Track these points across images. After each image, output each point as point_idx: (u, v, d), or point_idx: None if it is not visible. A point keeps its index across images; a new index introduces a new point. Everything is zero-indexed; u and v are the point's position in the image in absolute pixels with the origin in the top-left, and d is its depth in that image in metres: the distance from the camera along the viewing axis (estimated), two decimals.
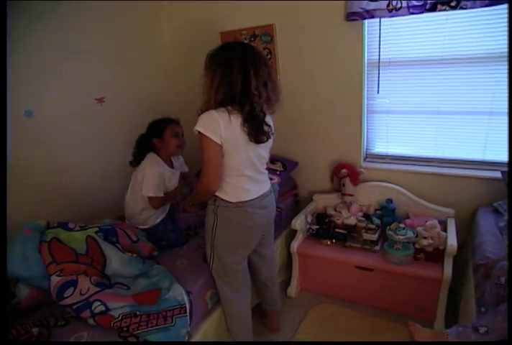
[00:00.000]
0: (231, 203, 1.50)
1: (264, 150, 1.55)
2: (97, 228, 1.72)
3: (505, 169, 1.83)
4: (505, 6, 1.67)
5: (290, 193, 2.56)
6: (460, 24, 1.89)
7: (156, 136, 1.89)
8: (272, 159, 2.51)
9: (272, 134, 1.55)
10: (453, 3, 1.74)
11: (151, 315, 1.42)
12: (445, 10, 1.77)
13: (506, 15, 1.73)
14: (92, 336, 1.36)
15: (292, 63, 2.35)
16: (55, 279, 1.47)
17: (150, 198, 1.84)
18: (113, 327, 1.36)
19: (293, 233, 2.30)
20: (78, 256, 1.57)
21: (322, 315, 2.10)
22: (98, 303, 1.40)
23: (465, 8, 1.73)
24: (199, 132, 1.36)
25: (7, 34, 1.32)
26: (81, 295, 1.44)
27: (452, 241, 1.85)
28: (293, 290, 2.29)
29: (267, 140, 1.48)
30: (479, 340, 1.32)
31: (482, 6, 1.69)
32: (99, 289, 1.47)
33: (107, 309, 1.40)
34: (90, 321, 1.40)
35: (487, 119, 2.02)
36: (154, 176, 1.82)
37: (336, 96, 2.29)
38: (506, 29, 1.76)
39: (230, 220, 1.53)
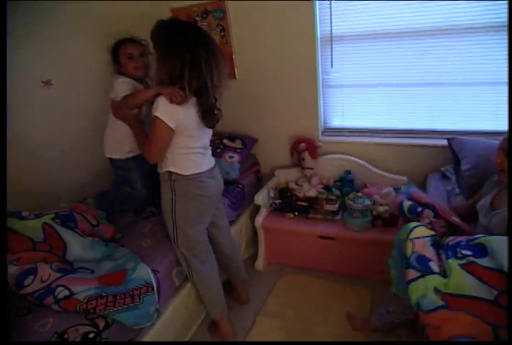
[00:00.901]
0: (187, 175, 1.57)
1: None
2: (53, 215, 1.67)
3: (451, 136, 1.96)
4: None
5: (251, 170, 2.59)
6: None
7: (114, 63, 1.80)
8: (232, 137, 2.53)
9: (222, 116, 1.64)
10: None
11: (118, 295, 1.42)
12: None
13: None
14: (57, 321, 1.34)
15: (246, 39, 2.32)
16: (12, 269, 1.42)
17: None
18: (79, 310, 1.36)
19: (257, 209, 2.35)
20: (35, 244, 1.53)
21: (290, 285, 2.18)
22: (61, 288, 1.39)
23: None
24: (155, 116, 1.42)
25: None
26: (42, 282, 1.41)
27: None
28: (260, 263, 2.36)
29: (215, 125, 1.60)
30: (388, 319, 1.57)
31: None
32: (61, 274, 1.44)
33: (71, 293, 1.38)
34: (55, 307, 1.38)
35: (433, 91, 2.12)
36: (120, 84, 1.72)
37: (291, 72, 2.31)
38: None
39: (187, 191, 1.59)
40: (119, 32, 1.85)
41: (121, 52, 1.77)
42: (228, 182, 2.28)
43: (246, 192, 2.41)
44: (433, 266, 1.20)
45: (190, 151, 1.56)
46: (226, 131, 2.56)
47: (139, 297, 1.45)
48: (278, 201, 2.35)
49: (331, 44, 2.18)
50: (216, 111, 1.57)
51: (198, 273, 1.72)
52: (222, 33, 2.34)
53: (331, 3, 2.07)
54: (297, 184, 2.46)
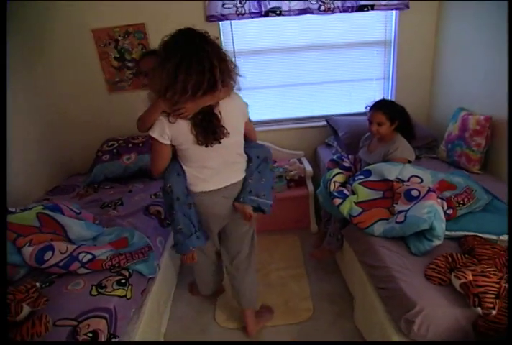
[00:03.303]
0: (192, 192, 1.65)
1: (232, 139, 1.54)
2: (42, 206, 1.87)
3: (328, 118, 2.90)
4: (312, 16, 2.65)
5: None
6: (290, 22, 2.79)
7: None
8: None
9: (229, 133, 1.51)
10: (278, 12, 2.62)
11: (131, 252, 1.76)
12: (273, 16, 2.64)
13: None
14: (88, 279, 1.59)
15: None
16: (29, 249, 1.60)
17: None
18: (105, 267, 1.64)
19: None
20: (39, 228, 1.73)
21: None
22: (84, 254, 1.64)
23: (285, 15, 2.64)
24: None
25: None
26: (62, 253, 1.63)
27: (308, 168, 2.81)
28: None
29: (219, 142, 1.50)
30: (333, 241, 2.17)
31: (295, 15, 2.62)
32: (77, 245, 1.70)
33: (94, 256, 1.65)
34: (81, 271, 1.61)
35: (313, 88, 3.04)
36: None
37: None
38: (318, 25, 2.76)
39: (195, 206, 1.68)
40: None
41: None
42: None
43: None
44: (347, 192, 1.97)
45: (191, 166, 1.59)
46: None
47: (146, 254, 1.81)
48: None
49: (235, 57, 2.88)
50: (216, 129, 1.48)
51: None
52: (143, 50, 2.78)
53: (231, 24, 2.78)
54: None
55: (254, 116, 3.09)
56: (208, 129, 1.47)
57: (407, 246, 1.60)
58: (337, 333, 1.91)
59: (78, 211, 2.01)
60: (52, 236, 1.73)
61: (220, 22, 2.73)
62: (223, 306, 2.17)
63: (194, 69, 1.35)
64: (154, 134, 1.47)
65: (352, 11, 2.58)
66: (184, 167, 1.60)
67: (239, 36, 2.84)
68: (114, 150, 2.77)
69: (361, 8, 2.58)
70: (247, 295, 1.92)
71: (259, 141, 2.80)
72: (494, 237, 1.54)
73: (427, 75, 2.92)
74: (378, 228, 1.72)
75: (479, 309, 1.21)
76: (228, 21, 2.74)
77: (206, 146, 1.50)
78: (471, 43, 2.43)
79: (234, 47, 2.85)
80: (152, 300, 1.83)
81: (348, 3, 2.56)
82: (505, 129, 2.12)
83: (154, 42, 2.74)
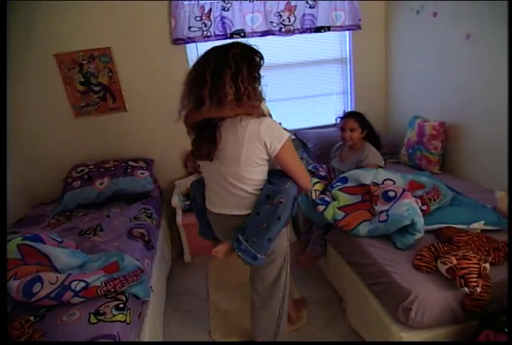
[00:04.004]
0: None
1: (228, 168, 1.44)
2: (21, 237, 1.77)
3: (296, 131, 3.05)
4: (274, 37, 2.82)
5: (155, 185, 3.04)
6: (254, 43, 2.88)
7: None
8: (134, 159, 2.92)
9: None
10: (242, 34, 2.77)
11: (125, 276, 1.72)
12: (238, 38, 2.78)
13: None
14: (84, 308, 1.54)
15: (133, 78, 2.83)
16: (14, 283, 1.52)
17: None
18: (101, 293, 1.58)
19: (171, 214, 2.85)
20: (22, 259, 1.65)
21: (220, 267, 2.70)
22: (76, 282, 1.57)
23: (249, 37, 2.79)
24: None
25: None
26: (52, 284, 1.56)
27: None
28: (188, 257, 2.84)
29: (210, 158, 1.43)
30: (316, 247, 2.27)
31: (258, 36, 2.79)
32: (67, 274, 1.63)
33: (87, 283, 1.60)
34: (75, 300, 1.54)
35: (283, 103, 3.19)
36: None
37: (175, 100, 2.93)
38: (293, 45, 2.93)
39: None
40: None
41: None
42: (146, 195, 2.71)
43: (159, 202, 2.86)
44: (328, 199, 2.08)
45: (205, 179, 1.62)
46: (128, 155, 2.95)
47: (140, 276, 1.78)
48: (188, 202, 2.91)
49: None
50: (206, 150, 1.41)
51: None
52: (110, 74, 2.79)
53: (197, 46, 2.87)
54: None
55: None
56: (198, 146, 1.45)
57: (392, 243, 1.73)
58: (333, 336, 1.98)
59: (59, 240, 1.94)
60: (37, 267, 1.66)
61: (187, 45, 2.82)
62: (216, 322, 2.15)
63: (187, 85, 1.41)
64: None
65: (311, 32, 2.80)
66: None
67: None
68: (85, 176, 2.69)
69: (318, 30, 2.81)
70: (258, 326, 1.77)
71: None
72: (465, 226, 1.72)
73: (382, 88, 3.21)
74: (363, 229, 1.84)
75: (466, 288, 1.35)
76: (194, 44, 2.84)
77: (196, 158, 1.55)
78: (416, 57, 2.73)
79: None
80: (150, 324, 1.79)
81: (306, 25, 2.78)
82: (456, 132, 2.40)
83: (122, 65, 2.78)
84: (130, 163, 2.83)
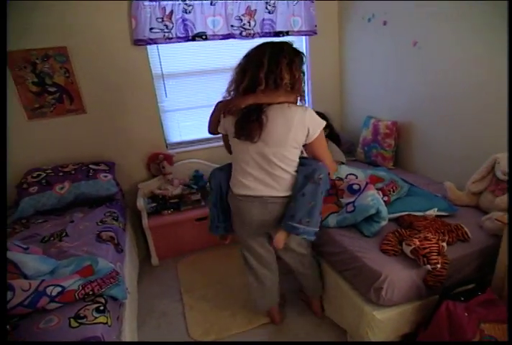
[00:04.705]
0: (233, 193, 1.72)
1: (273, 148, 1.55)
2: None
3: None
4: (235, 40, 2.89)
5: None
6: (216, 45, 2.97)
7: None
8: (95, 162, 2.83)
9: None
10: (204, 37, 2.81)
11: (102, 278, 1.68)
12: (200, 40, 2.82)
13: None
14: (62, 313, 1.48)
15: (92, 79, 2.73)
16: None
17: None
18: (79, 297, 1.55)
19: (136, 216, 2.80)
20: None
21: (189, 267, 2.73)
22: (52, 287, 1.51)
23: (210, 40, 2.84)
24: None
25: None
26: (25, 291, 1.49)
27: None
28: (155, 259, 2.80)
29: (255, 140, 1.53)
30: None
31: (220, 39, 2.85)
32: (40, 280, 1.56)
33: (64, 288, 1.54)
34: (51, 306, 1.48)
35: None
36: None
37: (136, 102, 2.90)
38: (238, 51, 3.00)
39: (231, 208, 1.79)
40: None
41: None
42: (110, 198, 2.65)
43: (123, 205, 2.79)
44: None
45: (235, 163, 1.69)
46: (87, 159, 2.84)
47: (116, 278, 1.75)
48: (154, 204, 2.88)
49: (163, 79, 2.96)
50: (251, 131, 1.52)
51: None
52: (67, 74, 2.67)
53: (158, 48, 2.86)
54: (160, 189, 3.04)
55: (182, 136, 3.20)
56: (244, 127, 1.54)
57: (360, 231, 1.88)
58: (308, 326, 2.08)
59: (25, 246, 1.85)
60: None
61: (148, 46, 2.80)
62: (193, 321, 2.16)
63: (241, 68, 1.55)
64: (219, 126, 1.72)
65: (270, 36, 2.91)
66: (233, 165, 1.72)
67: (167, 59, 2.93)
68: (43, 181, 2.55)
69: (277, 34, 2.93)
70: (312, 287, 2.04)
71: (191, 159, 2.95)
72: (421, 213, 1.91)
73: (337, 89, 3.41)
74: (332, 220, 1.98)
75: (428, 266, 1.52)
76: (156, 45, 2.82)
77: (241, 138, 1.57)
78: (368, 61, 2.95)
79: (162, 70, 2.93)
80: (129, 327, 1.77)
81: (266, 30, 2.89)
82: (407, 130, 2.65)
83: (80, 65, 2.69)
84: (91, 166, 2.73)
